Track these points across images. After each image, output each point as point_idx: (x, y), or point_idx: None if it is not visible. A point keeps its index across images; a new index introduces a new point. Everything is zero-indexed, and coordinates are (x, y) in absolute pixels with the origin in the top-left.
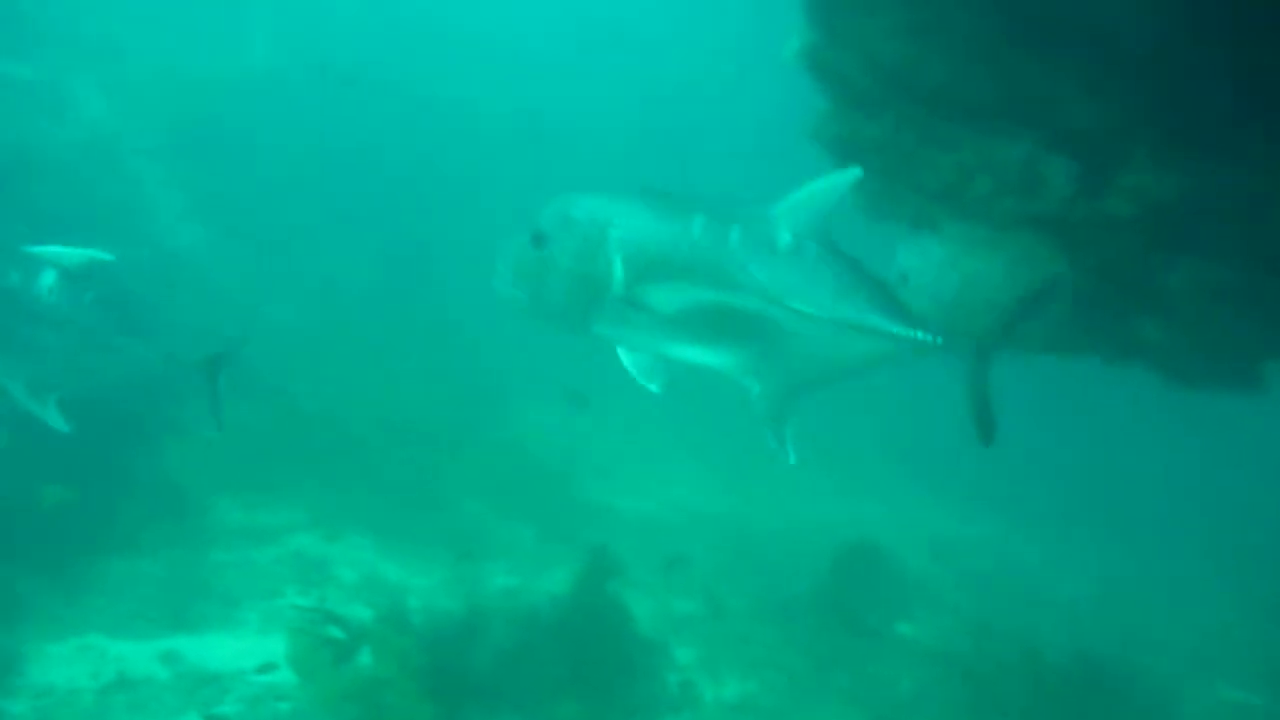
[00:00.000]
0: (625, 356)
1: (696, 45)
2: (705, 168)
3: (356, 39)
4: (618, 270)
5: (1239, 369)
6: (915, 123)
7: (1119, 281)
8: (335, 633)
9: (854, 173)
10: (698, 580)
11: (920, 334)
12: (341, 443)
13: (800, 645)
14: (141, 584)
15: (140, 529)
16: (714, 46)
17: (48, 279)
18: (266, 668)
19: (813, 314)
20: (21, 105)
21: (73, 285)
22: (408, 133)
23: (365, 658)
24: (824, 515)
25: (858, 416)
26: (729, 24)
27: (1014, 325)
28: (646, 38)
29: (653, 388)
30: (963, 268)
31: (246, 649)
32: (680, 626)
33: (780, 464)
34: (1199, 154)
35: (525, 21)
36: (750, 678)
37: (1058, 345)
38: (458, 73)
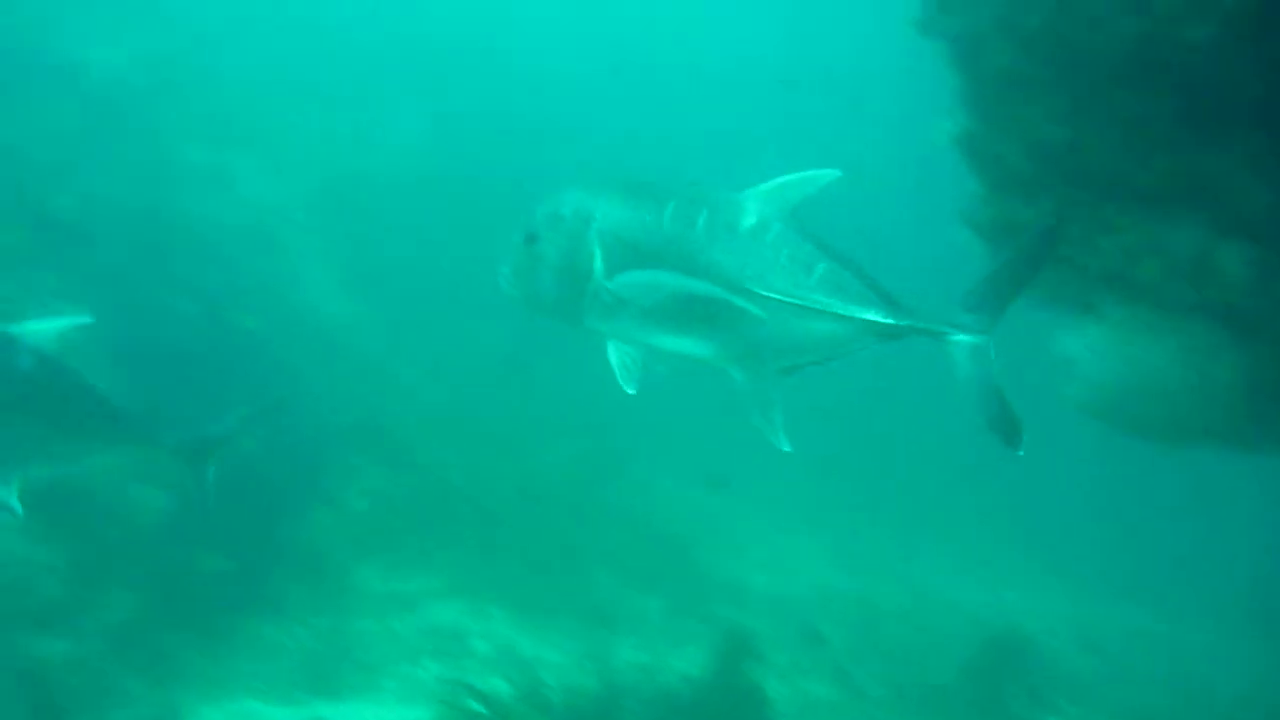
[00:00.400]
0: (612, 351)
1: None
2: None
3: (506, 123)
4: (598, 262)
5: None
6: (1076, 205)
7: None
8: (476, 706)
9: (832, 173)
10: (832, 662)
11: (867, 314)
12: (476, 512)
13: None
14: (289, 649)
15: (288, 595)
16: None
17: (25, 362)
18: None
19: (765, 295)
20: (190, 185)
21: (47, 366)
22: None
23: None
24: (957, 595)
25: (986, 492)
26: None
27: (1012, 292)
28: None
29: (629, 389)
30: (1129, 353)
31: (388, 718)
32: (816, 712)
33: (911, 541)
34: None
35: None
36: None
37: (1229, 438)
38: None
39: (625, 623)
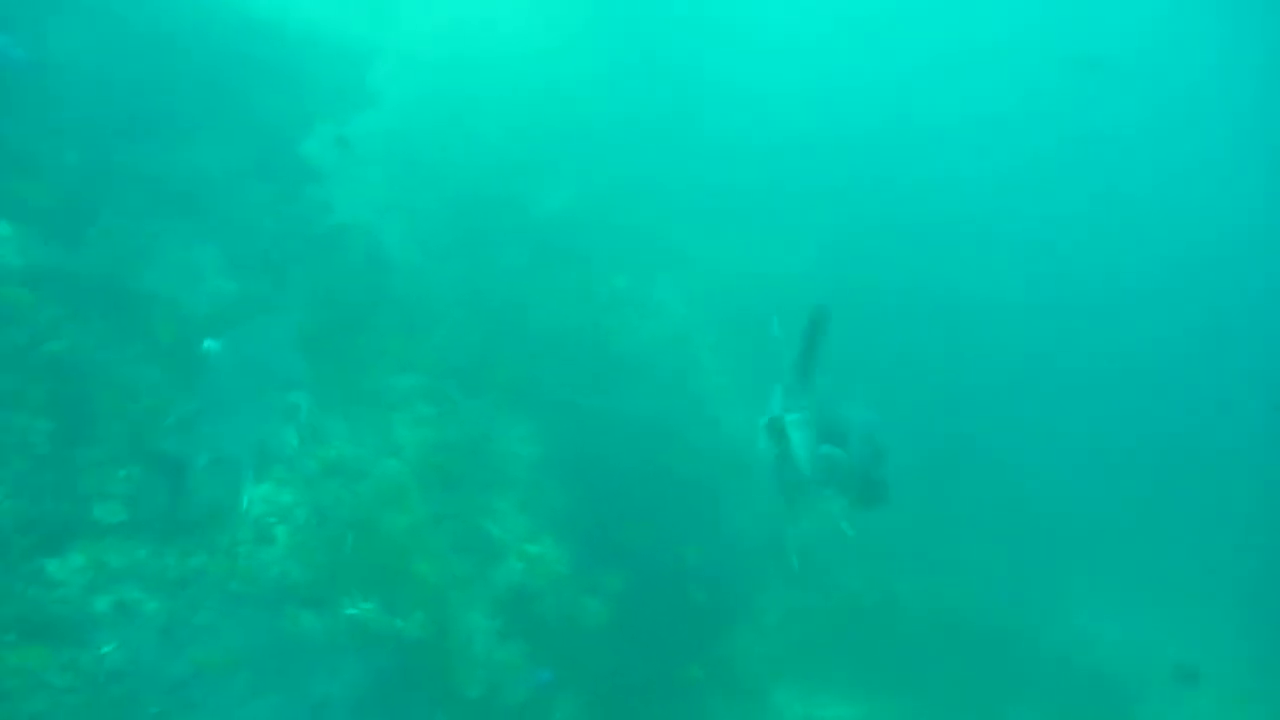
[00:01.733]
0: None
1: None
2: None
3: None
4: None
5: None
6: None
7: None
8: None
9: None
10: None
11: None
12: (891, 639)
13: None
14: None
15: (714, 711)
16: None
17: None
18: None
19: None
20: (617, 309)
21: None
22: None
23: None
24: None
25: None
26: None
27: (809, 373)
28: None
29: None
30: None
31: None
32: None
33: None
34: None
35: None
36: None
37: None
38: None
39: None
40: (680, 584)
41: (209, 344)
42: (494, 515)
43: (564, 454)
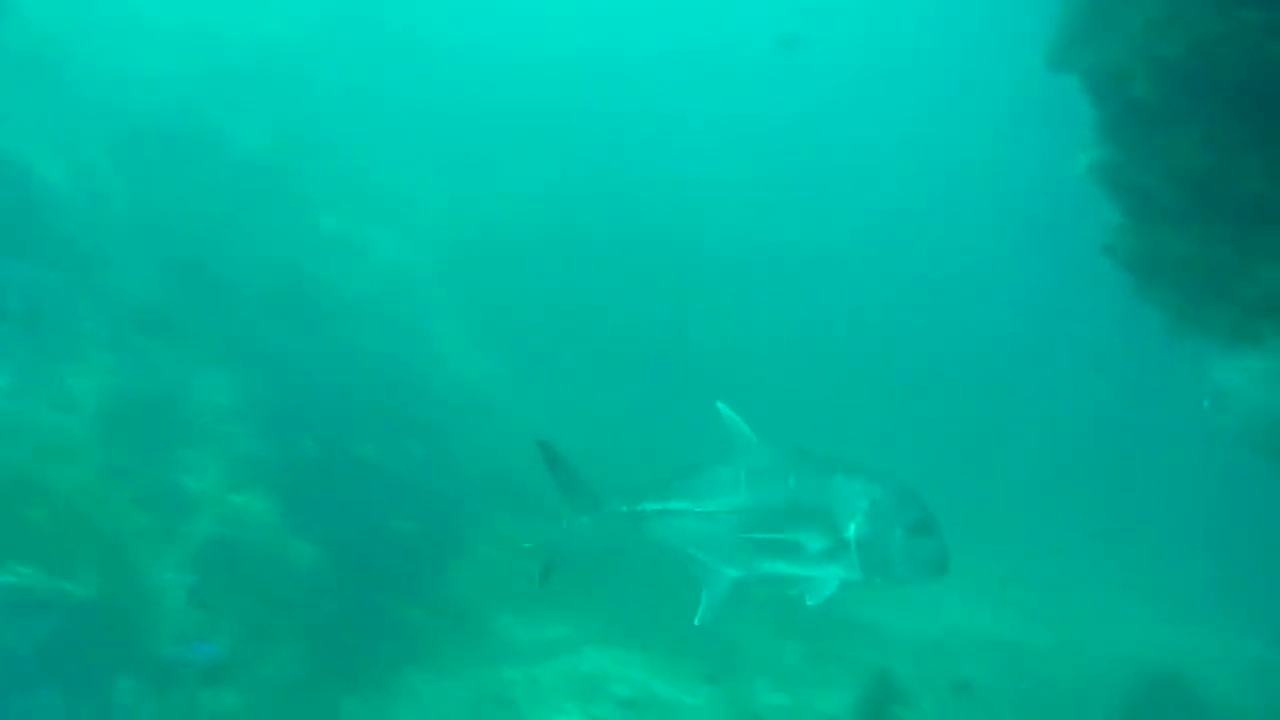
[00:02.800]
0: None
1: None
2: None
3: (623, 180)
4: None
5: None
6: (1228, 234)
7: None
8: None
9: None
10: (982, 706)
11: None
12: (610, 557)
13: None
14: (443, 701)
15: (437, 646)
16: None
17: None
18: None
19: None
20: (325, 251)
21: None
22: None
23: None
24: (1115, 636)
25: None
26: None
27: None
28: None
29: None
30: None
31: None
32: None
33: (1060, 579)
34: None
35: None
36: None
37: None
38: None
39: (763, 666)
40: (399, 525)
41: None
42: (189, 468)
43: (269, 401)
